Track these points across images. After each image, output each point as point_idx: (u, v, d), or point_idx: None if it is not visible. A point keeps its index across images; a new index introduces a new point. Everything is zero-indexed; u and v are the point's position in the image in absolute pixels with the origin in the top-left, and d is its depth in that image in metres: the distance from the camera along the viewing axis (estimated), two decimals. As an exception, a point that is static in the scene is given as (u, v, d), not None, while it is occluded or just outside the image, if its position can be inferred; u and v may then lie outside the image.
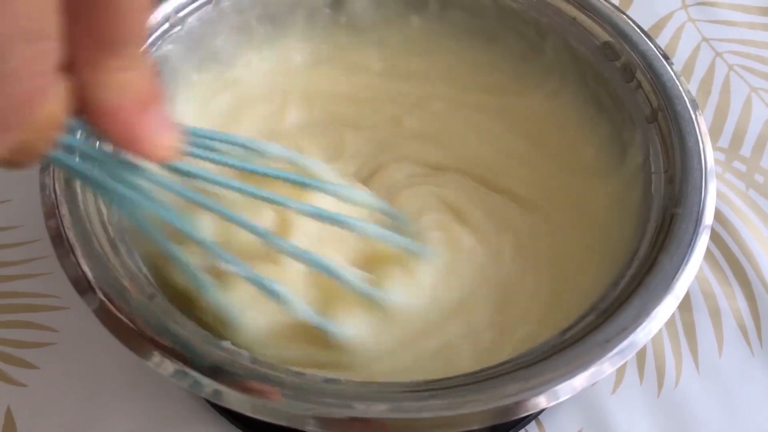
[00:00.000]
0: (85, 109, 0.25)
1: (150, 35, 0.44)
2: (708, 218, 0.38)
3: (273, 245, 0.36)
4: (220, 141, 0.37)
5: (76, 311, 0.49)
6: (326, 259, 0.37)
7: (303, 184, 0.37)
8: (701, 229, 0.37)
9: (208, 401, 0.46)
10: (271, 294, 0.36)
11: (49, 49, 0.22)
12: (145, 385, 0.46)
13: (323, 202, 0.39)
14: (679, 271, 0.35)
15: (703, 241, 0.37)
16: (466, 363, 0.39)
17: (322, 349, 0.39)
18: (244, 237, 0.37)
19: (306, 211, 0.36)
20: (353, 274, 0.39)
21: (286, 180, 0.37)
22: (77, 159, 0.31)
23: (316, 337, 0.38)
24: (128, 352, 0.46)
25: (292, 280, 0.39)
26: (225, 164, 0.36)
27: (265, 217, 0.40)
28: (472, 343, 0.41)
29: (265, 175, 0.37)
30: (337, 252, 0.41)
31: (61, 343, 0.48)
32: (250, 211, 0.38)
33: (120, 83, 0.25)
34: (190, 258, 0.37)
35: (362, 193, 0.40)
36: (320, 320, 0.38)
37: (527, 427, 0.46)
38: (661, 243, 0.37)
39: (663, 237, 0.37)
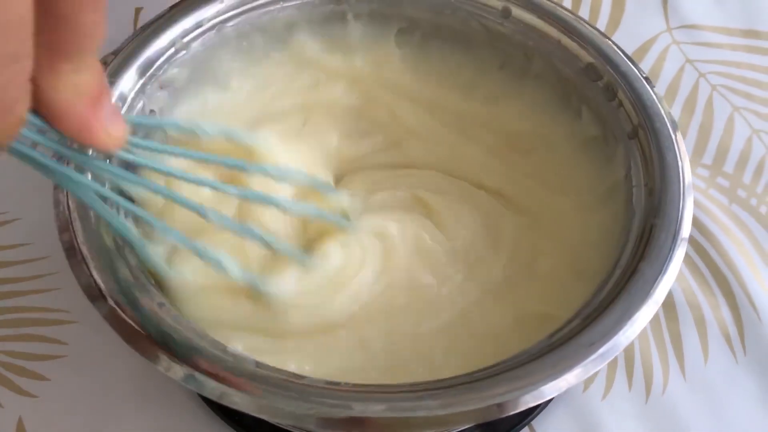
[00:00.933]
0: (42, 108, 0.28)
1: (157, 59, 0.47)
2: (686, 228, 0.39)
3: (207, 218, 0.39)
4: (158, 126, 0.45)
5: (84, 325, 0.50)
6: (255, 227, 0.41)
7: (234, 167, 0.41)
8: (679, 238, 0.39)
9: (213, 409, 0.47)
10: (202, 255, 0.39)
11: (26, 66, 0.25)
12: (153, 394, 0.48)
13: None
14: (659, 277, 0.37)
15: (681, 249, 0.39)
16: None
17: (250, 307, 0.42)
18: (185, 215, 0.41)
19: (235, 193, 0.40)
20: (280, 242, 0.42)
21: (220, 164, 0.41)
22: (34, 148, 0.33)
23: (244, 295, 0.42)
24: (135, 364, 0.48)
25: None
26: (165, 152, 0.40)
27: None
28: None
29: (202, 161, 0.42)
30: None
31: (71, 355, 0.49)
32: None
33: (73, 84, 0.28)
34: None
35: (291, 169, 0.43)
36: (249, 275, 0.41)
37: (520, 432, 0.48)
38: (641, 252, 0.38)
39: (643, 246, 0.39)
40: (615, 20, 0.66)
